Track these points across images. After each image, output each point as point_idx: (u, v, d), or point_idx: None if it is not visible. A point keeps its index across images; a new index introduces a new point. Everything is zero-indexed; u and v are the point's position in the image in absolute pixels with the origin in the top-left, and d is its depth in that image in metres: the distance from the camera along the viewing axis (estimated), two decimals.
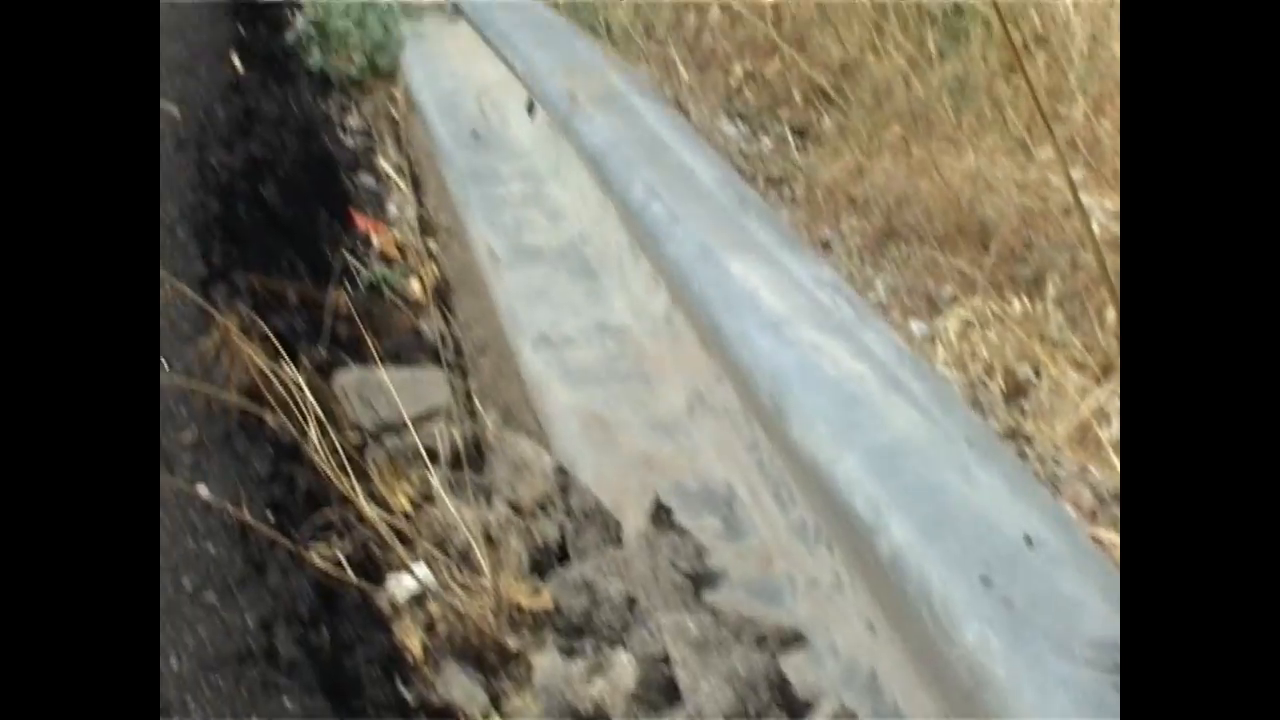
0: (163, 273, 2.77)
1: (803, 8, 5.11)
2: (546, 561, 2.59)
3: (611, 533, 2.62)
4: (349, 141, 4.72)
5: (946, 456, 2.16)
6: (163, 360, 2.71)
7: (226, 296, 3.06)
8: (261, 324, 2.86)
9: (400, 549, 2.54)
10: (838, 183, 4.31)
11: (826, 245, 4.17)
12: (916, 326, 3.72)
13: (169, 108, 3.87)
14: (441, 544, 2.60)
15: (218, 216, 3.47)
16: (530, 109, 3.95)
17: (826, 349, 2.42)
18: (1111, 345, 3.14)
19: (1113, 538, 2.58)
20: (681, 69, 5.03)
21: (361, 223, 4.16)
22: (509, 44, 4.08)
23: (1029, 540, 1.97)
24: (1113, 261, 2.71)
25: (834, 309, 2.54)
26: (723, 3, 5.29)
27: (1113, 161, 3.61)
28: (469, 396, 3.41)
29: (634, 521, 2.59)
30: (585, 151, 3.40)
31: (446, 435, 3.02)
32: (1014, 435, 3.09)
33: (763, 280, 2.63)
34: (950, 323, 3.46)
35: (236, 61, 4.55)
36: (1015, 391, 3.27)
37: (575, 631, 2.39)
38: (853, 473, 2.17)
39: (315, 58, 5.04)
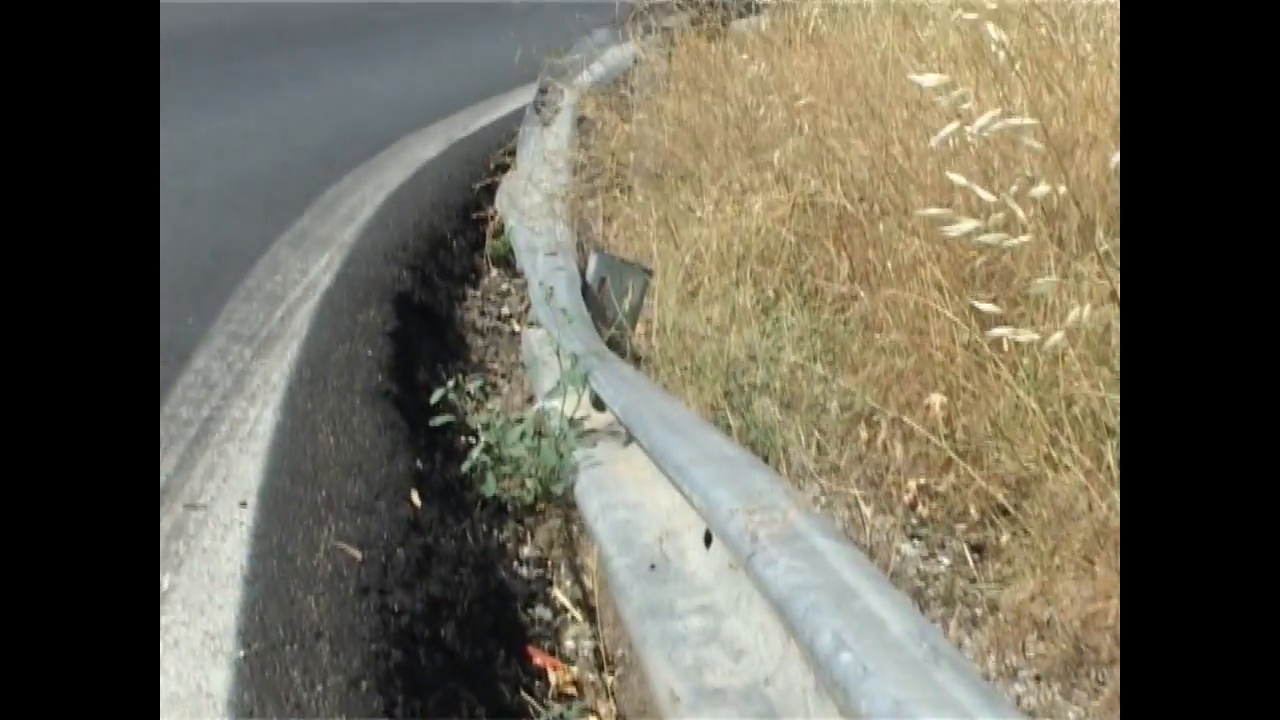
0: None
1: (976, 420, 5.10)
2: None
3: None
4: (523, 572, 4.74)
5: None
6: None
7: None
8: None
9: None
10: (1020, 605, 4.22)
11: (1013, 673, 4.06)
12: None
13: (352, 551, 3.95)
14: None
15: (399, 664, 3.50)
16: (708, 542, 3.93)
17: None
18: None
19: None
20: (855, 491, 5.02)
21: (538, 658, 4.14)
22: (685, 476, 4.07)
23: None
24: None
25: None
26: (894, 417, 5.31)
27: None
28: None
29: None
30: (768, 593, 3.35)
31: None
32: None
33: None
34: None
35: (415, 498, 4.64)
36: None
37: None
38: None
39: (490, 486, 5.11)
